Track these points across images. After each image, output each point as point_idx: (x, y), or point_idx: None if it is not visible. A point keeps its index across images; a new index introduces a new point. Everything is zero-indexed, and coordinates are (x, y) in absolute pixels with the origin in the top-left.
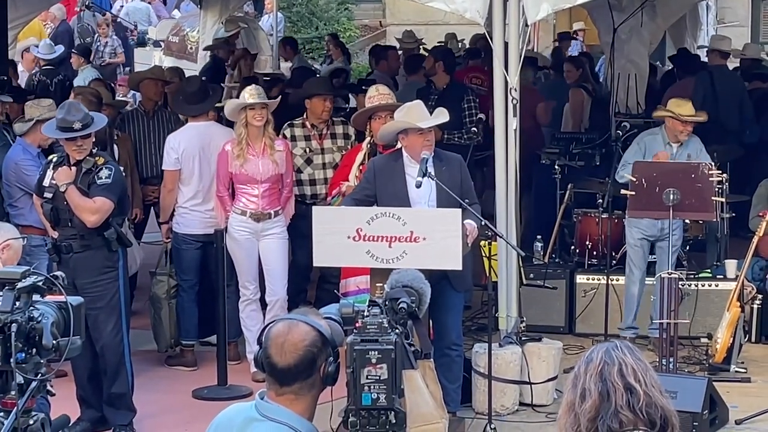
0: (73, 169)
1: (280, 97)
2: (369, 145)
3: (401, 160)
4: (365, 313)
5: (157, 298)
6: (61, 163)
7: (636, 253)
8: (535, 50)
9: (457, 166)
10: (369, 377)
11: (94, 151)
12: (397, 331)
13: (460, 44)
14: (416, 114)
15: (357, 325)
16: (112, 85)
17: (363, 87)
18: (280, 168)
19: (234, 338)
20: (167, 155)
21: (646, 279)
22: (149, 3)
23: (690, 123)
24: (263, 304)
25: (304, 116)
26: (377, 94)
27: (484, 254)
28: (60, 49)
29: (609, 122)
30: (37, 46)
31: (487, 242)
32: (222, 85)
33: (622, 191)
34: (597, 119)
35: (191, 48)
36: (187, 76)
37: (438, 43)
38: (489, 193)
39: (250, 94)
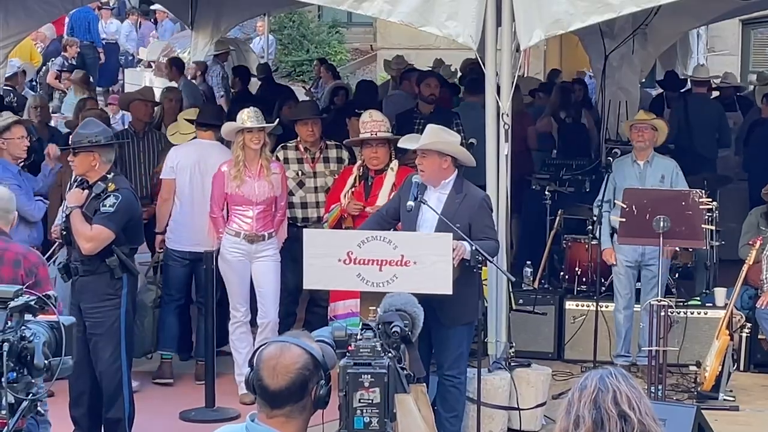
0: (85, 192)
1: (277, 120)
2: (360, 169)
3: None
4: (358, 337)
5: (143, 305)
6: (81, 184)
7: (620, 281)
8: (525, 76)
9: (476, 202)
10: (361, 401)
11: (110, 176)
12: (390, 354)
13: (450, 69)
14: (417, 136)
15: (350, 348)
16: None
17: (356, 111)
18: (275, 190)
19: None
20: (165, 164)
21: (635, 306)
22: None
23: (645, 130)
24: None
25: (298, 139)
26: (370, 121)
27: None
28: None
29: (585, 150)
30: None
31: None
32: None
33: (612, 218)
34: (566, 147)
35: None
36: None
37: (427, 68)
38: None
39: (248, 116)
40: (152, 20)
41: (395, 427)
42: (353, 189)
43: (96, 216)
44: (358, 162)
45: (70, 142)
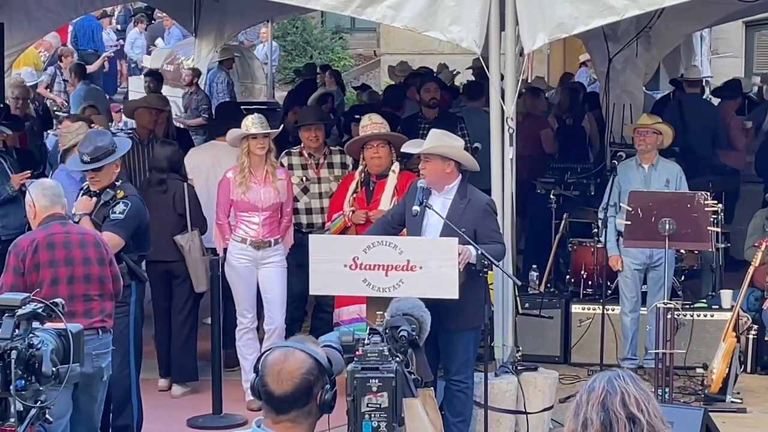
0: (93, 199)
1: (282, 125)
2: (362, 174)
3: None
4: (366, 341)
5: None
6: (87, 192)
7: (626, 284)
8: (529, 80)
9: (480, 206)
10: (369, 405)
11: (118, 183)
12: (397, 359)
13: (453, 73)
14: (420, 140)
15: (357, 353)
16: None
17: (356, 116)
18: (281, 196)
19: None
20: None
21: (641, 309)
22: (141, 32)
23: (647, 134)
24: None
25: (302, 145)
26: (370, 123)
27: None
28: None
29: (582, 153)
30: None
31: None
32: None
33: (618, 221)
34: (562, 148)
35: (185, 76)
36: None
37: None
38: None
39: (252, 123)
40: (146, 28)
41: None
42: (355, 194)
43: (105, 223)
44: (360, 167)
45: (86, 158)
